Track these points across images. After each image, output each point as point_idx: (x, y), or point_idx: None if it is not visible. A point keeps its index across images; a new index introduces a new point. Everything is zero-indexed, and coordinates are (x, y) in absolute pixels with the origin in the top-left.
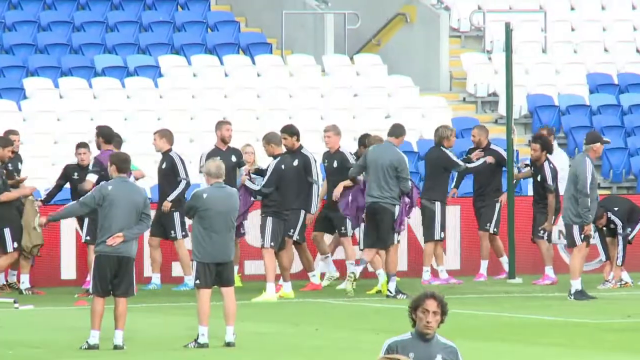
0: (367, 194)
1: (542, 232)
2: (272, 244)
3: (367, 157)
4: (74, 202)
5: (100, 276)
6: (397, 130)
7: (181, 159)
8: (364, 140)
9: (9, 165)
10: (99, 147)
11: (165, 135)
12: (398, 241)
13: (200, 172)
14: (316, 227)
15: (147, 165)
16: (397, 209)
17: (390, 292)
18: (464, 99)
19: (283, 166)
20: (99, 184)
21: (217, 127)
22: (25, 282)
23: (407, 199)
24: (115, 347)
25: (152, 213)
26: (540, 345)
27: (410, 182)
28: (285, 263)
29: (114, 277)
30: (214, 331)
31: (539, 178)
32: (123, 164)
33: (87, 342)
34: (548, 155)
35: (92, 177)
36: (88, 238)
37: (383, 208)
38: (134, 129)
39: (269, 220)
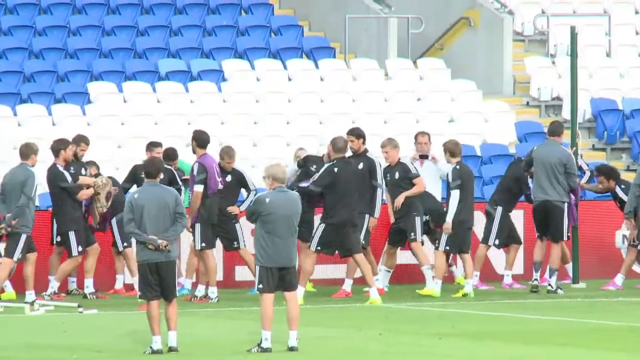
0: (535, 190)
1: (635, 241)
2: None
3: (534, 155)
4: (125, 225)
5: (145, 283)
6: (558, 129)
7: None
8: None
9: (72, 168)
10: (194, 151)
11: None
12: (568, 237)
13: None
14: (389, 240)
15: None
16: (566, 206)
17: (552, 287)
18: (528, 103)
19: (336, 169)
20: (128, 195)
21: (415, 138)
22: (89, 286)
23: (572, 196)
24: (170, 349)
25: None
26: (603, 350)
27: (577, 179)
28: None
29: (158, 281)
30: (277, 336)
31: (618, 202)
32: (150, 169)
33: (150, 347)
34: (616, 181)
35: (199, 188)
36: (125, 244)
37: (554, 206)
38: None
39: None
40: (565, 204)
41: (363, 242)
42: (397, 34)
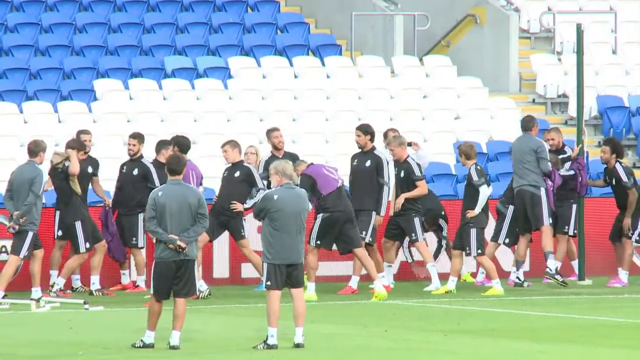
0: (513, 180)
1: (631, 232)
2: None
3: (512, 149)
4: (146, 222)
5: (159, 282)
6: (528, 124)
7: (256, 170)
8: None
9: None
10: None
11: (237, 146)
12: (550, 223)
13: (265, 178)
14: (386, 234)
15: (215, 167)
16: (542, 191)
17: (550, 270)
18: (534, 100)
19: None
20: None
21: (267, 135)
22: (95, 283)
23: (549, 182)
24: (172, 348)
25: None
26: (609, 347)
27: (549, 164)
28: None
29: (174, 278)
30: (283, 332)
31: (614, 181)
32: (175, 166)
33: (142, 340)
34: (618, 158)
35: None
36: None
37: (529, 192)
38: (204, 130)
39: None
40: (542, 189)
41: (370, 239)
42: (403, 31)
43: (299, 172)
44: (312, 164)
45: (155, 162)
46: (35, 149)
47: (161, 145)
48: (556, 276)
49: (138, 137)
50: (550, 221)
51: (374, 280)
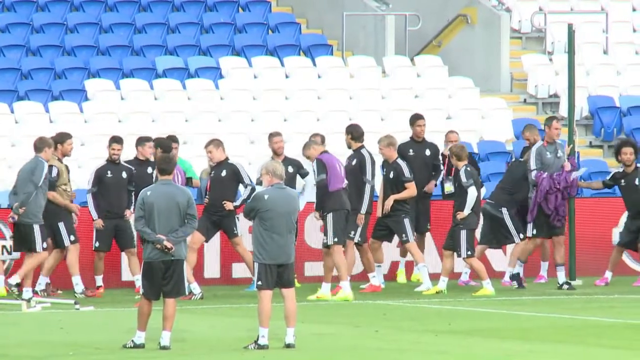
0: None
1: None
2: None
3: None
4: (135, 222)
5: (149, 282)
6: (526, 127)
7: (242, 166)
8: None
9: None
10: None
11: (221, 144)
12: (534, 234)
13: (259, 183)
14: (374, 234)
15: (205, 167)
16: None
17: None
18: (525, 100)
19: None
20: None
21: (268, 139)
22: (41, 283)
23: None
24: (162, 348)
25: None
26: (600, 347)
27: (534, 174)
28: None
29: (163, 279)
30: (274, 332)
31: (637, 181)
32: (165, 165)
33: (132, 340)
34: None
35: None
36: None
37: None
38: (195, 130)
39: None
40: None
41: (359, 239)
42: (394, 32)
43: (311, 153)
44: (326, 151)
45: (135, 160)
46: (40, 145)
47: (138, 142)
48: (512, 283)
49: (122, 141)
50: (534, 232)
51: (325, 282)
